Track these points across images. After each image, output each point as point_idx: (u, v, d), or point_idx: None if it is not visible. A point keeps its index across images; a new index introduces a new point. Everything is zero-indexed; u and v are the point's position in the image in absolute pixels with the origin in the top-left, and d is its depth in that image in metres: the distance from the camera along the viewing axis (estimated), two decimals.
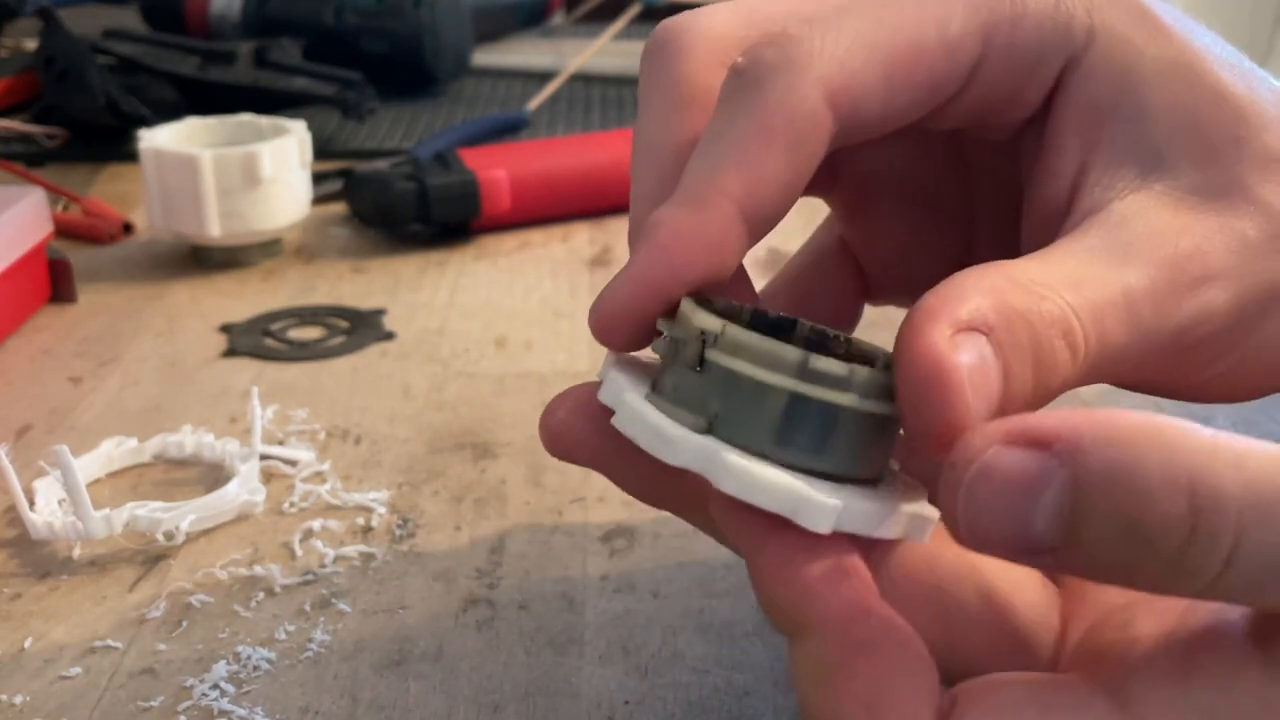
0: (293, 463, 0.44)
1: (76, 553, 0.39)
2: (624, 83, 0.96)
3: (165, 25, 0.95)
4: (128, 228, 0.66)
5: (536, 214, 0.67)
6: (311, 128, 0.64)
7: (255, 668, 0.34)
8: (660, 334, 0.26)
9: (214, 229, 0.60)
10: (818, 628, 0.23)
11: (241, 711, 0.32)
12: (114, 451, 0.44)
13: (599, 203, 0.69)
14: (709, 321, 0.24)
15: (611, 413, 0.25)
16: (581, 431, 0.27)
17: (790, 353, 0.24)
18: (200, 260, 0.62)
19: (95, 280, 0.60)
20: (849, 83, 0.26)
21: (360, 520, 0.41)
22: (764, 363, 0.24)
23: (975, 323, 0.23)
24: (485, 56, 1.02)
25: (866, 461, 0.24)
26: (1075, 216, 0.27)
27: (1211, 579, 0.20)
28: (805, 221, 0.35)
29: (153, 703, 0.33)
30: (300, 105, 0.82)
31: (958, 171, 0.33)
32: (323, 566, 0.39)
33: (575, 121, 0.87)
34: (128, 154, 0.78)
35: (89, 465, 0.43)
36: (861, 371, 0.24)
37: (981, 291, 0.23)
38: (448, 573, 0.38)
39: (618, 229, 0.67)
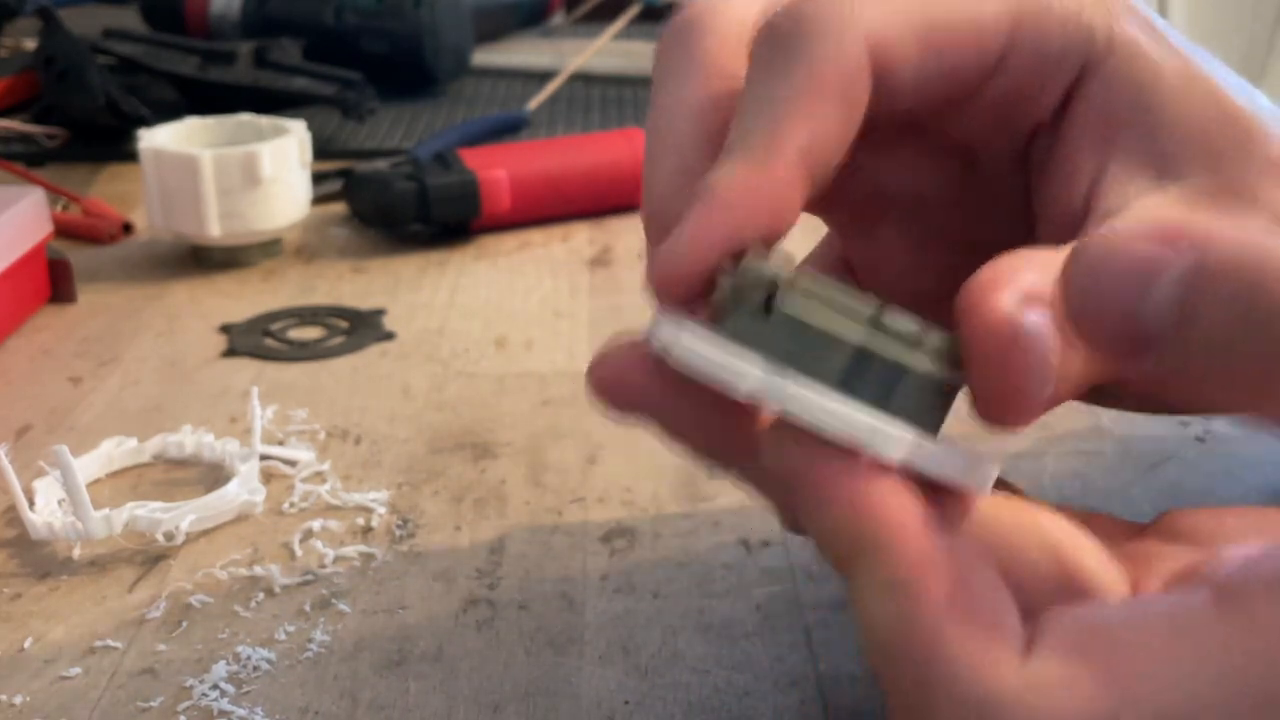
0: (293, 463, 0.44)
1: (76, 553, 0.39)
2: (624, 83, 0.96)
3: (165, 25, 0.95)
4: (127, 228, 0.66)
5: (536, 214, 0.67)
6: (311, 128, 0.64)
7: (255, 668, 0.34)
8: (713, 290, 0.26)
9: (214, 229, 0.60)
10: (887, 543, 0.22)
11: (241, 711, 0.32)
12: (114, 451, 0.44)
13: (599, 203, 0.69)
14: (780, 270, 0.24)
15: (663, 362, 0.25)
16: (634, 375, 0.27)
17: (864, 306, 0.24)
18: (200, 260, 0.62)
19: (95, 280, 0.60)
20: (887, 44, 0.26)
21: (360, 520, 0.41)
22: (836, 312, 0.24)
23: (1035, 293, 0.23)
24: (485, 56, 1.02)
25: (923, 422, 0.24)
26: (1094, 218, 0.27)
27: None
28: (807, 232, 0.35)
29: (153, 703, 0.33)
30: (300, 105, 0.82)
31: (964, 185, 0.32)
32: (323, 567, 0.39)
33: (575, 121, 0.87)
34: (127, 154, 0.78)
35: (89, 465, 0.43)
36: (934, 334, 0.24)
37: (1033, 267, 0.23)
38: (448, 573, 0.38)
39: (618, 229, 0.67)
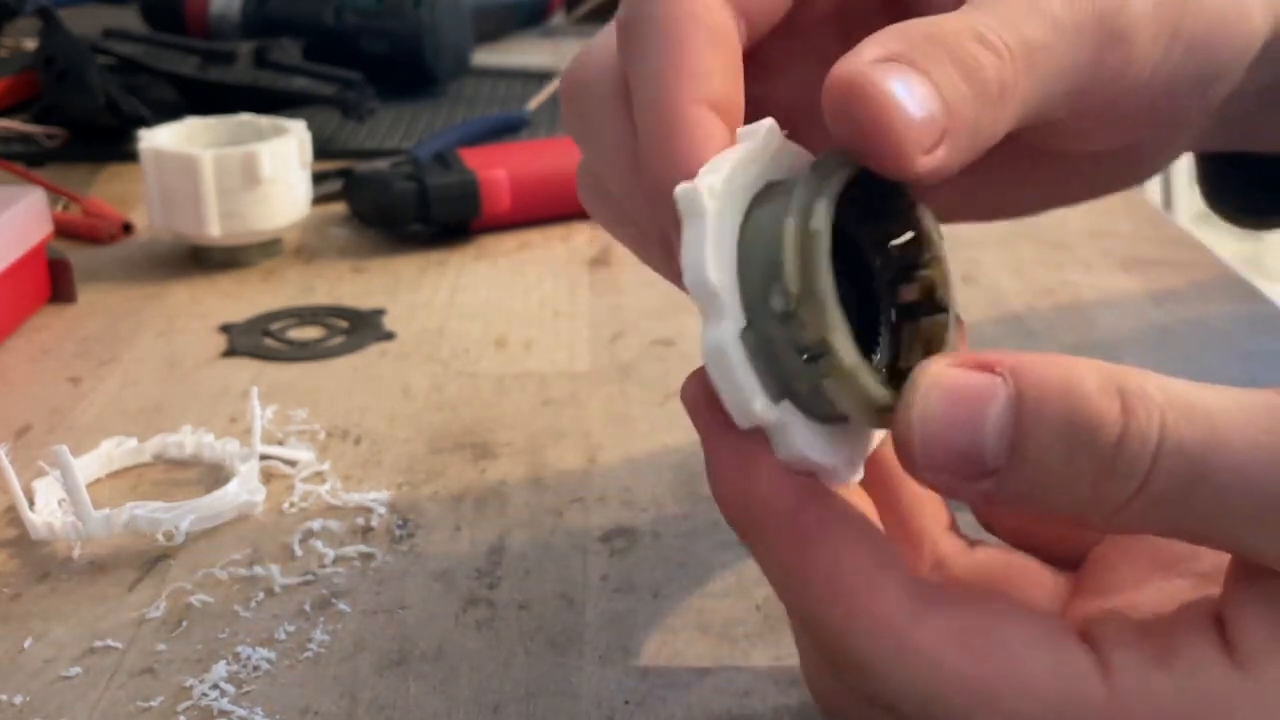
0: (293, 463, 0.44)
1: (76, 553, 0.39)
2: None
3: (165, 25, 0.95)
4: (127, 228, 0.66)
5: (536, 214, 0.67)
6: (311, 128, 0.64)
7: (255, 668, 0.34)
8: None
9: (214, 229, 0.60)
10: (767, 526, 0.25)
11: (241, 711, 0.32)
12: (114, 451, 0.44)
13: None
14: (821, 328, 0.24)
15: None
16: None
17: (880, 397, 0.24)
18: (200, 260, 0.62)
19: (95, 280, 0.60)
20: None
21: (360, 520, 0.41)
22: (854, 399, 0.24)
23: (889, 55, 0.24)
24: (485, 56, 1.02)
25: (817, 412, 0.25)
26: None
27: (1141, 480, 0.22)
28: None
29: (152, 703, 0.33)
30: (300, 105, 0.82)
31: None
32: (323, 566, 0.39)
33: None
34: (127, 154, 0.78)
35: (89, 465, 0.43)
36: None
37: (885, 37, 0.25)
38: (448, 573, 0.38)
39: None
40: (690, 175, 0.25)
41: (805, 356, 0.24)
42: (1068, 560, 0.29)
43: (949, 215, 0.33)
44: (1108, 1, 0.26)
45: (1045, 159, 0.32)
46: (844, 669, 0.25)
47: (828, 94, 0.24)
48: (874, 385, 0.24)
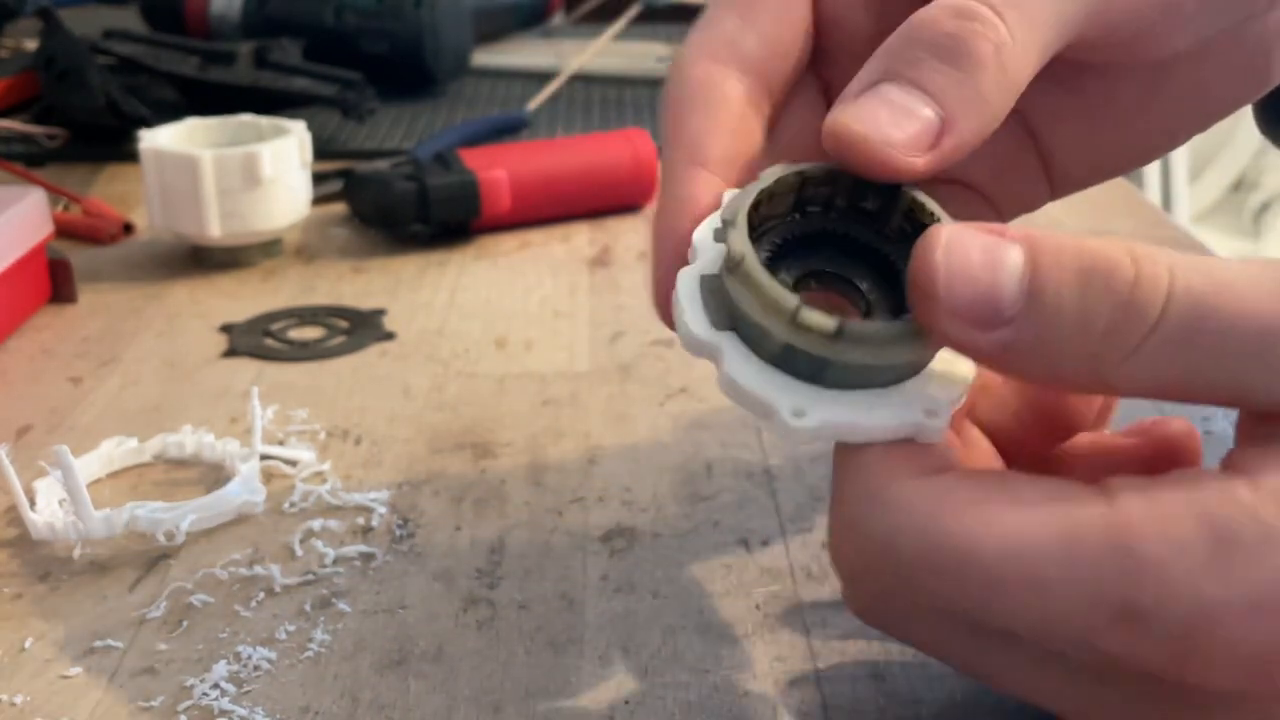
0: (293, 463, 0.44)
1: (77, 553, 0.39)
2: (624, 83, 0.96)
3: (165, 25, 0.95)
4: (128, 228, 0.66)
5: (536, 214, 0.67)
6: (311, 128, 0.64)
7: (255, 667, 0.34)
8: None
9: (214, 229, 0.60)
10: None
11: (242, 711, 0.32)
12: (114, 451, 0.44)
13: (599, 203, 0.69)
14: (735, 244, 0.27)
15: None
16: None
17: (787, 301, 0.26)
18: (200, 260, 0.62)
19: (95, 280, 0.60)
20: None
21: (360, 520, 0.41)
22: (765, 306, 0.26)
23: (872, 81, 0.27)
24: (485, 56, 1.02)
25: (876, 380, 0.27)
26: None
27: (1154, 320, 0.24)
28: None
29: (153, 702, 0.33)
30: (300, 105, 0.82)
31: None
32: (323, 566, 0.39)
33: (575, 121, 0.87)
34: (128, 154, 0.78)
35: (89, 465, 0.43)
36: (855, 326, 0.26)
37: (871, 61, 0.28)
38: (448, 573, 0.38)
39: (618, 229, 0.67)
40: (675, 224, 0.29)
41: (728, 271, 0.27)
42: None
43: (1099, 174, 0.35)
44: None
45: (1143, 78, 0.33)
46: (858, 543, 0.26)
47: (825, 144, 0.27)
48: (775, 285, 0.26)
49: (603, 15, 1.11)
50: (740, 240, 0.27)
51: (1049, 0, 0.27)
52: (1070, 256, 0.24)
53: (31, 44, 0.91)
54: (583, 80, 0.95)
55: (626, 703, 0.33)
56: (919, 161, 0.26)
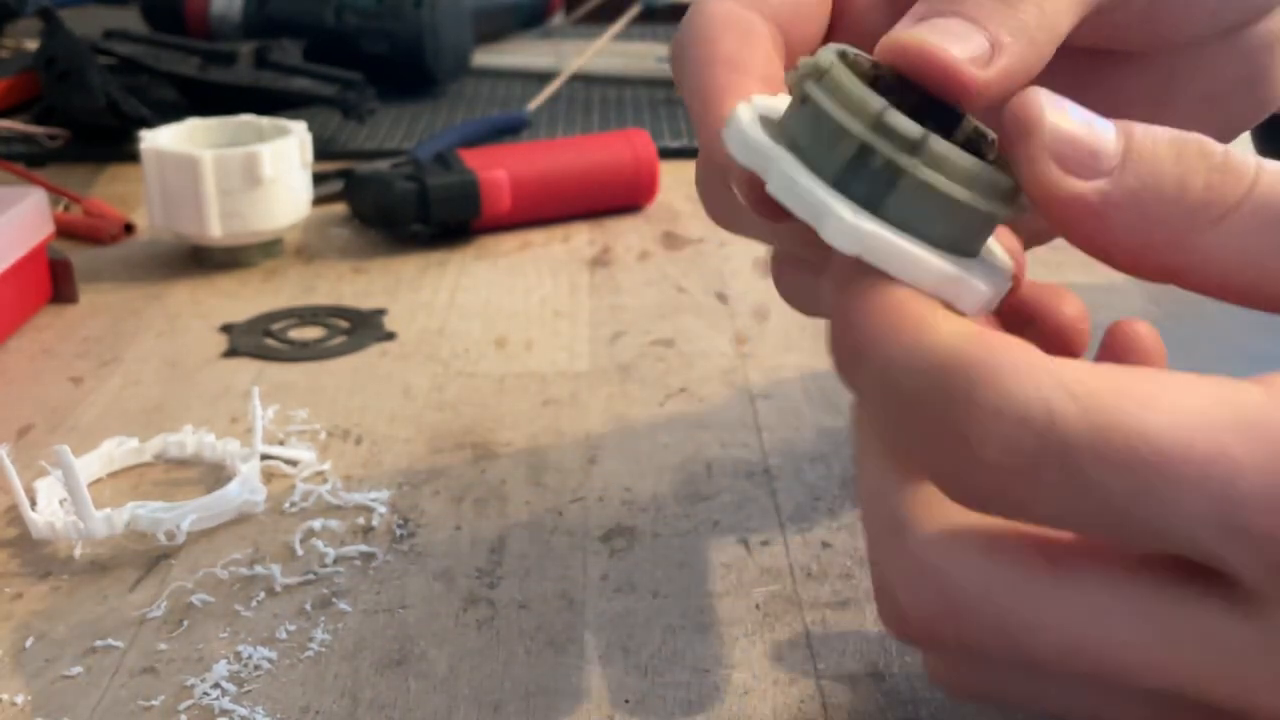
0: (293, 463, 0.44)
1: (77, 552, 0.39)
2: (624, 83, 0.96)
3: (165, 25, 0.96)
4: (128, 228, 0.66)
5: (536, 214, 0.67)
6: (311, 128, 0.64)
7: (256, 667, 0.34)
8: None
9: (214, 229, 0.60)
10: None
11: (242, 711, 0.33)
12: (115, 451, 0.44)
13: (599, 203, 0.69)
14: (824, 60, 0.25)
15: None
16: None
17: (874, 102, 0.24)
18: (200, 260, 0.62)
19: (96, 280, 0.60)
20: None
21: (360, 520, 0.41)
22: (847, 106, 0.24)
23: (920, 17, 0.26)
24: (485, 57, 1.02)
25: (922, 231, 0.24)
26: None
27: (1246, 189, 0.24)
28: None
29: (153, 702, 0.33)
30: (300, 105, 0.82)
31: None
32: (323, 566, 0.39)
33: (575, 121, 0.87)
34: (128, 154, 0.78)
35: (90, 465, 0.43)
36: (939, 142, 0.24)
37: (916, 6, 0.26)
38: (448, 573, 0.38)
39: (618, 229, 0.67)
40: (724, 104, 0.27)
41: (813, 79, 0.25)
42: None
43: None
44: None
45: (1152, 82, 0.33)
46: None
47: (885, 58, 0.26)
48: (863, 88, 0.24)
49: (603, 15, 1.11)
50: (827, 55, 0.25)
51: None
52: (1162, 132, 0.24)
53: (32, 44, 0.91)
54: (583, 80, 0.95)
55: (626, 702, 0.33)
56: (985, 75, 0.26)
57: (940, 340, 0.22)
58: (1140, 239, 0.24)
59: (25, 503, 0.40)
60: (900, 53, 0.25)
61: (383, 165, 0.67)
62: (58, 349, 0.54)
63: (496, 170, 0.65)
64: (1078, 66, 0.31)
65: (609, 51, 0.98)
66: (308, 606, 0.37)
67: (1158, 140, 0.24)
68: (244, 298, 0.59)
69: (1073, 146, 0.24)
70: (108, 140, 0.79)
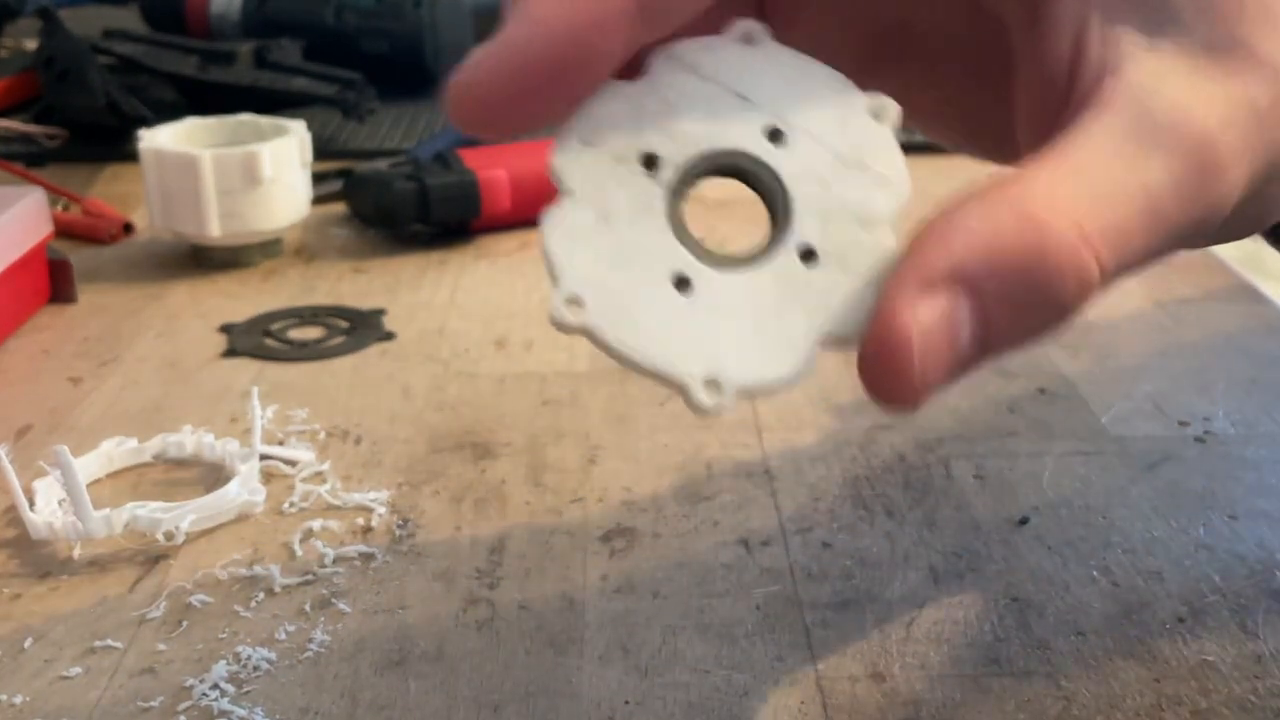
0: (293, 463, 0.44)
1: (76, 553, 0.39)
2: None
3: (165, 25, 0.95)
4: (128, 228, 0.66)
5: (536, 214, 0.67)
6: (311, 128, 0.64)
7: (255, 668, 0.34)
8: None
9: (214, 229, 0.60)
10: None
11: (241, 711, 0.32)
12: (114, 451, 0.44)
13: None
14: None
15: None
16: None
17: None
18: (200, 260, 0.62)
19: (95, 280, 0.60)
20: None
21: (360, 520, 0.41)
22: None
23: (955, 275, 0.22)
24: None
25: None
26: (1082, 88, 0.25)
27: None
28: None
29: (153, 703, 0.33)
30: (300, 105, 0.82)
31: (985, 24, 0.30)
32: (323, 566, 0.39)
33: None
34: (128, 154, 0.78)
35: (89, 465, 0.43)
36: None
37: (972, 233, 0.23)
38: (448, 573, 0.38)
39: None
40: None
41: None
42: None
43: None
44: (1214, 203, 0.24)
45: None
46: None
47: (865, 356, 0.23)
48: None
49: None
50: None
51: (1135, 245, 0.24)
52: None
53: (31, 44, 0.91)
54: None
55: (626, 703, 0.33)
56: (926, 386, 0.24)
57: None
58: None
59: (24, 503, 0.40)
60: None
61: (382, 165, 0.67)
62: (57, 349, 0.54)
63: (496, 170, 0.65)
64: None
65: None
66: (307, 607, 0.37)
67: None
68: (244, 298, 0.59)
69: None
70: (107, 140, 0.79)
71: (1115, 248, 0.23)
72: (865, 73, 0.29)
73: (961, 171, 0.32)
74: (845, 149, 0.25)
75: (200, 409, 0.48)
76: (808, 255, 0.24)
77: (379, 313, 0.57)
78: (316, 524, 0.41)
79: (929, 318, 0.22)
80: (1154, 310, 0.57)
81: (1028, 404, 0.48)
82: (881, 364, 0.22)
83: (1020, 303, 0.23)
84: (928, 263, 0.22)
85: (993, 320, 0.23)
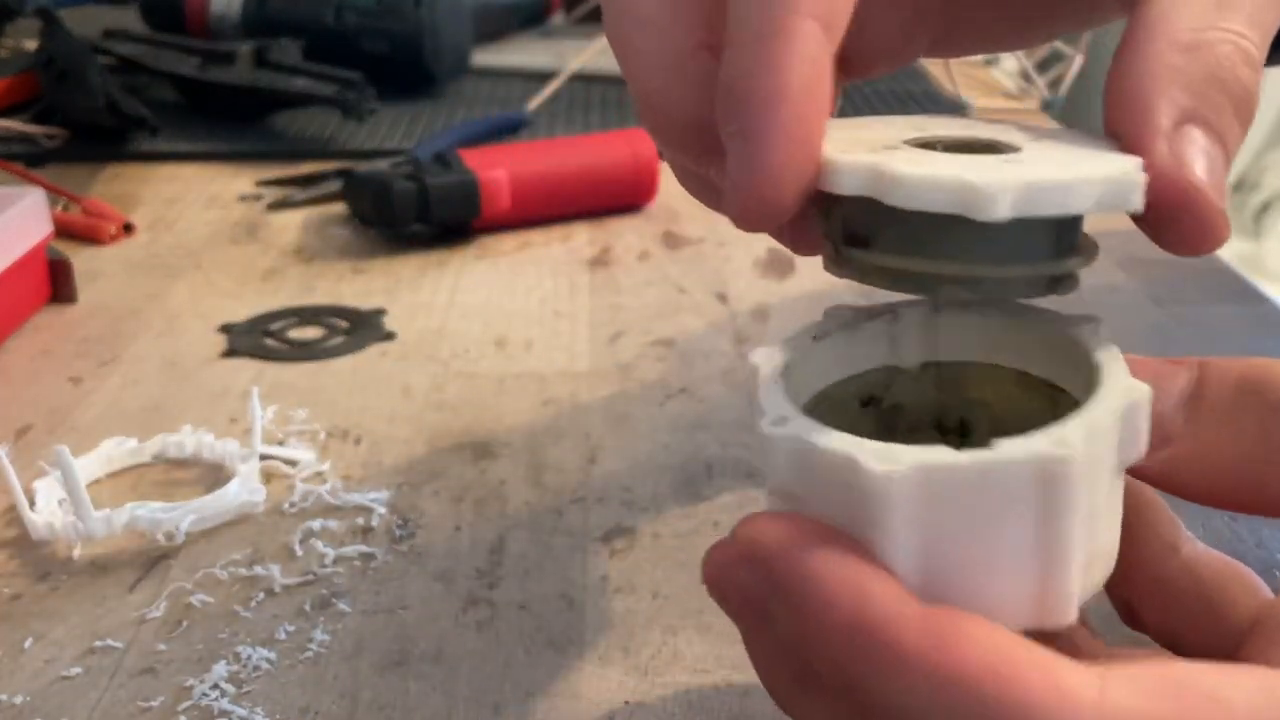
0: (293, 463, 0.44)
1: (76, 553, 0.39)
2: (624, 83, 0.96)
3: (165, 25, 0.95)
4: (128, 228, 0.66)
5: (536, 214, 0.67)
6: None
7: (255, 668, 0.34)
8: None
9: None
10: (898, 642, 0.21)
11: (241, 711, 0.32)
12: (114, 452, 0.44)
13: (599, 203, 0.69)
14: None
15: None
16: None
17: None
18: None
19: (95, 280, 0.60)
20: None
21: (360, 520, 0.41)
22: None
23: (1182, 117, 0.25)
24: (485, 56, 1.02)
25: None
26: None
27: None
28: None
29: (153, 703, 0.33)
30: (300, 105, 0.82)
31: None
32: (323, 566, 0.39)
33: (575, 121, 0.87)
34: (128, 154, 0.78)
35: (89, 465, 0.43)
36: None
37: (1160, 78, 0.25)
38: (448, 573, 0.38)
39: (618, 229, 0.67)
40: (771, 86, 0.23)
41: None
42: (1220, 652, 0.27)
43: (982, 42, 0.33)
44: None
45: None
46: None
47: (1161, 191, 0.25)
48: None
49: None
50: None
51: None
52: (1234, 371, 0.26)
53: (31, 44, 0.91)
54: (583, 80, 0.95)
55: (626, 703, 0.33)
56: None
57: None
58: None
59: (24, 503, 0.40)
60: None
61: (382, 165, 0.67)
62: (57, 349, 0.54)
63: (496, 170, 0.65)
64: None
65: (609, 51, 0.97)
66: (307, 607, 0.37)
67: (1224, 390, 0.26)
68: (243, 298, 0.59)
69: None
70: (107, 140, 0.79)
71: (1262, 31, 0.26)
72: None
73: None
74: None
75: (200, 409, 0.48)
76: None
77: (379, 313, 0.57)
78: (316, 524, 0.41)
79: (1195, 152, 0.25)
80: (1152, 309, 0.57)
81: None
82: (1186, 214, 0.25)
83: (1230, 112, 0.25)
84: (1154, 119, 0.25)
85: (1223, 135, 0.25)
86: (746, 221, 0.24)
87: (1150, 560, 0.28)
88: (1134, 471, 0.25)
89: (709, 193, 0.30)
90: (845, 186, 0.23)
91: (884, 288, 0.27)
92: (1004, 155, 0.24)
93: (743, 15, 0.23)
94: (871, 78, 0.32)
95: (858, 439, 0.22)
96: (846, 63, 0.30)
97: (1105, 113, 0.26)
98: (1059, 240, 0.25)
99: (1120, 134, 0.25)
